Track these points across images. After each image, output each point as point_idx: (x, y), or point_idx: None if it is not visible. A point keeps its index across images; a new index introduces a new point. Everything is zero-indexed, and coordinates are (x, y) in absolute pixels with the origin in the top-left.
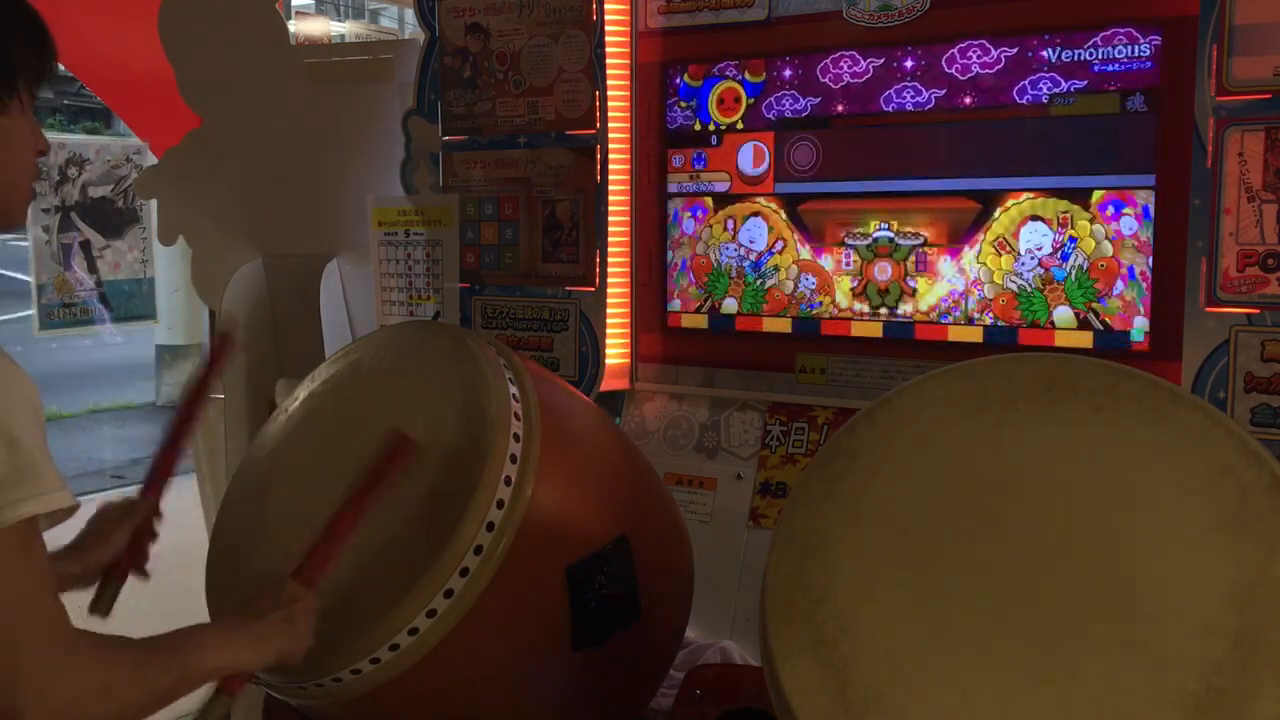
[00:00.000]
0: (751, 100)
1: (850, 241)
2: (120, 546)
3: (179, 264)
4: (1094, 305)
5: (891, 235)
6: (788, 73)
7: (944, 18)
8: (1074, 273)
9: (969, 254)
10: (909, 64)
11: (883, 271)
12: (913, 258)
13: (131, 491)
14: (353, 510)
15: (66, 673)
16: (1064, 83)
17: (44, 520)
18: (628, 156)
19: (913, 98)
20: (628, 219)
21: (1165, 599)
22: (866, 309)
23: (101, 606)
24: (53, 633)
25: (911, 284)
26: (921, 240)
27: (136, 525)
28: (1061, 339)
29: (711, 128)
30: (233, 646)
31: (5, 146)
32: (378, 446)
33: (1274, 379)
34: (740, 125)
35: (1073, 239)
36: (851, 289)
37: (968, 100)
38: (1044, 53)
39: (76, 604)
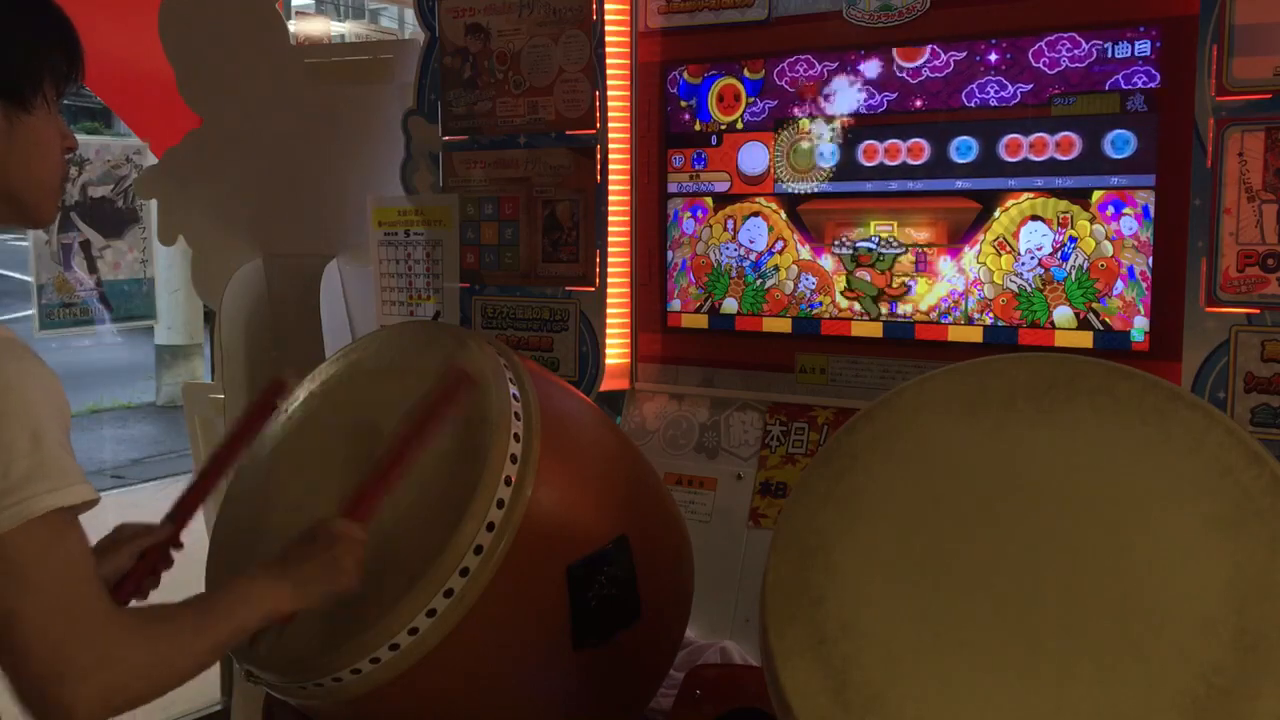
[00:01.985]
0: (751, 99)
1: (838, 250)
2: (123, 566)
3: (179, 264)
4: (1094, 305)
5: (877, 243)
6: (787, 73)
7: (944, 17)
8: (1074, 273)
9: (969, 254)
10: (909, 64)
11: (879, 279)
12: (908, 262)
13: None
14: (405, 446)
15: (110, 655)
16: (1064, 83)
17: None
18: (628, 156)
19: (913, 98)
20: (628, 219)
21: (1165, 599)
22: (863, 309)
23: None
24: (92, 617)
25: (911, 287)
26: (904, 249)
27: (149, 548)
28: (1061, 339)
29: (711, 127)
30: (275, 596)
31: (34, 145)
32: (434, 384)
33: (1274, 379)
34: (740, 125)
35: (1073, 239)
36: (844, 292)
37: (967, 100)
38: (1044, 53)
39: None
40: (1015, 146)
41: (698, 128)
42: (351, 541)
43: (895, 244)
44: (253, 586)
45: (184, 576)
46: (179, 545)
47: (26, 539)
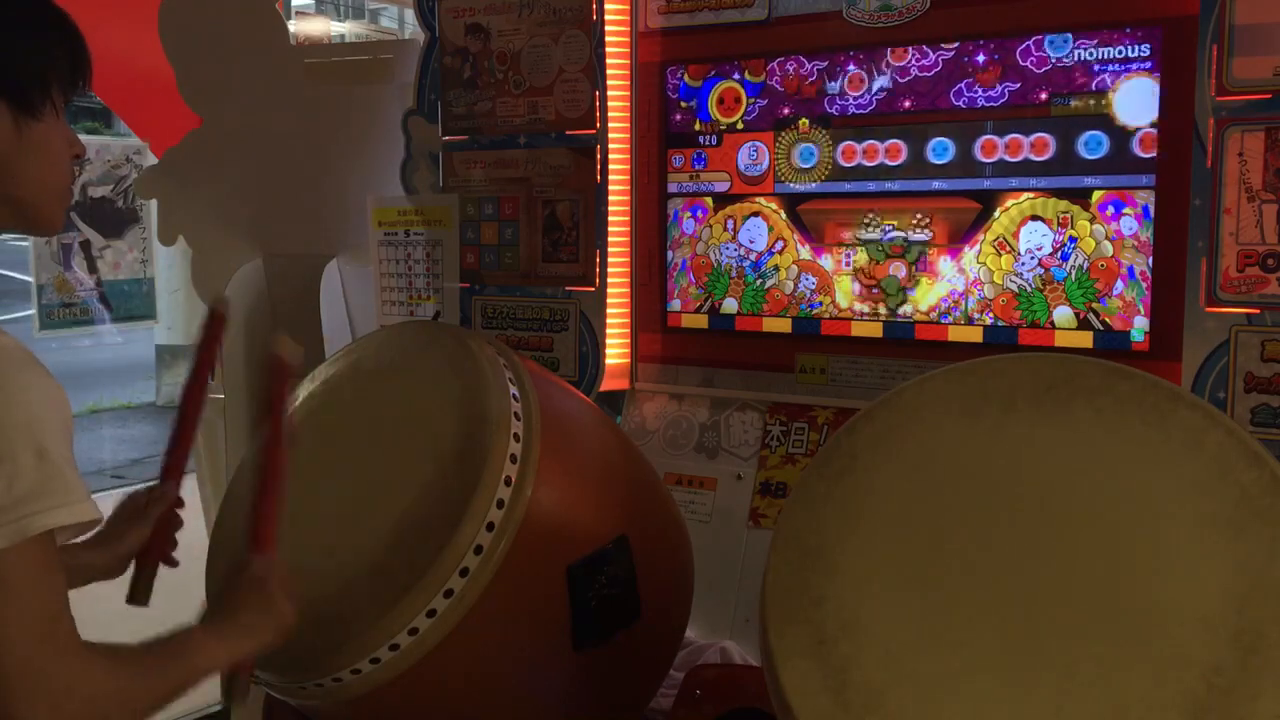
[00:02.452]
0: (751, 100)
1: (864, 235)
2: (145, 536)
3: (179, 264)
4: (1094, 305)
5: (905, 235)
6: (787, 73)
7: (944, 17)
8: (1074, 273)
9: (969, 254)
10: (909, 64)
11: (897, 270)
12: (919, 257)
13: (145, 484)
14: (269, 461)
15: (81, 685)
16: (1064, 83)
17: (67, 531)
18: (628, 156)
19: (913, 98)
20: (628, 219)
21: (1165, 599)
22: (866, 309)
23: (139, 596)
24: (69, 645)
25: (911, 291)
26: (907, 246)
27: (160, 514)
28: (1061, 339)
29: (711, 127)
30: (225, 643)
31: (41, 152)
32: (266, 382)
33: (1274, 379)
34: (740, 126)
35: (1073, 239)
36: (854, 292)
37: (968, 100)
38: (1044, 53)
39: (102, 594)
40: (1016, 146)
41: (697, 128)
42: (276, 576)
43: (904, 239)
44: (204, 639)
45: (185, 577)
46: (182, 503)
47: (23, 556)
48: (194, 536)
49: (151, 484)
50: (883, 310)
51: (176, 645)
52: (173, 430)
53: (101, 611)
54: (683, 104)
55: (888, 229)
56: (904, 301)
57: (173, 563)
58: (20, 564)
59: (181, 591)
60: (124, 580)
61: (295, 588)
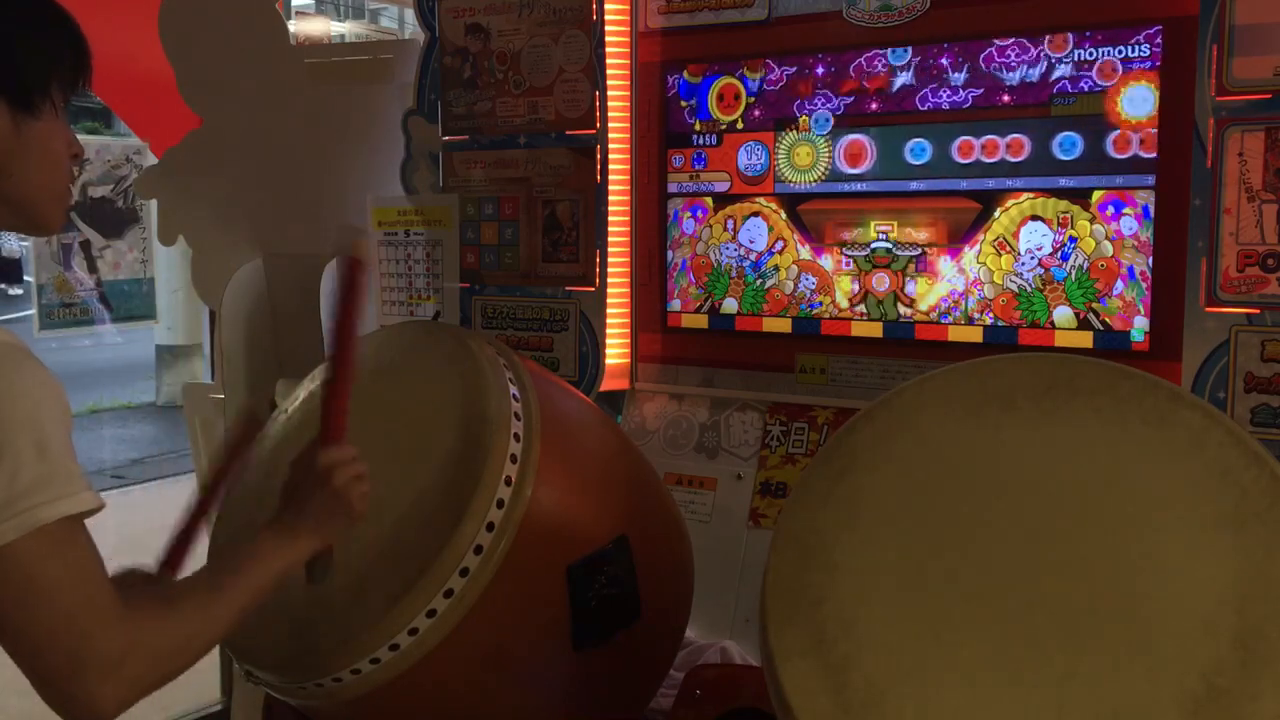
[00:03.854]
0: (751, 98)
1: (849, 252)
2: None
3: (179, 264)
4: (1094, 305)
5: (889, 246)
6: (787, 73)
7: (944, 18)
8: (1074, 273)
9: (969, 254)
10: (908, 64)
11: (880, 282)
12: (911, 265)
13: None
14: (343, 349)
15: (132, 650)
16: (1064, 83)
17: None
18: (628, 156)
19: (912, 98)
20: (628, 219)
21: (1165, 599)
22: (867, 310)
23: None
24: (107, 614)
25: (910, 292)
26: (919, 251)
27: None
28: (1061, 339)
29: (711, 126)
30: (291, 545)
31: (40, 152)
32: (343, 281)
33: (1274, 379)
34: (740, 125)
35: (1073, 239)
36: (851, 296)
37: (967, 100)
38: (1044, 53)
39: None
40: (1016, 146)
41: (698, 127)
42: (344, 465)
43: (911, 245)
44: (264, 545)
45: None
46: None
47: (34, 547)
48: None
49: (149, 573)
50: (882, 311)
51: (238, 564)
52: (183, 521)
53: None
54: (683, 102)
55: (882, 236)
56: (888, 312)
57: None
58: (35, 553)
59: None
60: None
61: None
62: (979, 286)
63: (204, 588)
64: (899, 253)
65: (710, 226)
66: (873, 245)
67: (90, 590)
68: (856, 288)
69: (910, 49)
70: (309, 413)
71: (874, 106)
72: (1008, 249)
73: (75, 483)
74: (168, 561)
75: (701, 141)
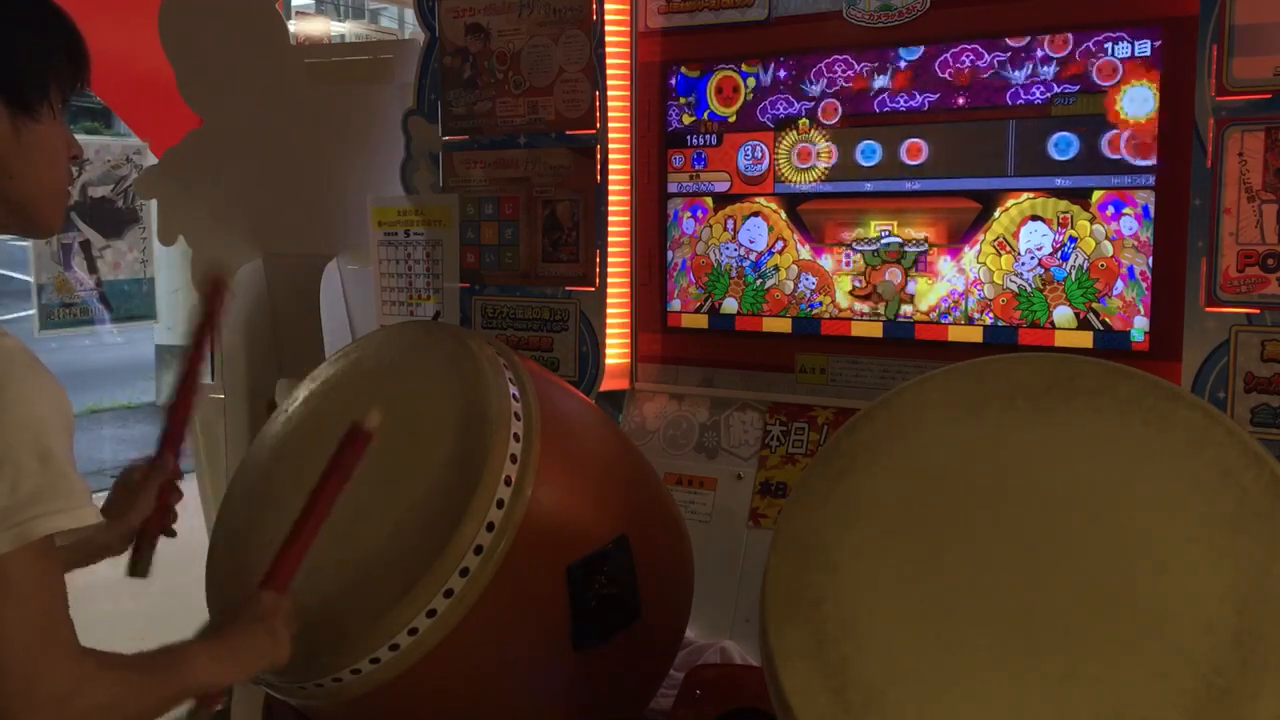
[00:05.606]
0: (751, 97)
1: (859, 248)
2: (149, 508)
3: (179, 264)
4: (1094, 305)
5: (899, 241)
6: (787, 73)
7: (944, 18)
8: (1074, 273)
9: (969, 254)
10: (908, 64)
11: (893, 276)
12: (915, 264)
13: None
14: (314, 511)
15: (80, 688)
16: (1064, 83)
17: (68, 534)
18: (628, 156)
19: (913, 97)
20: (628, 219)
21: (1165, 599)
22: (867, 310)
23: (140, 568)
24: (68, 648)
25: (910, 291)
26: (924, 248)
27: (160, 485)
28: (1061, 339)
29: (707, 118)
30: (219, 663)
31: (41, 153)
32: (337, 442)
33: (1274, 379)
34: (734, 119)
35: (1073, 239)
36: (852, 291)
37: (968, 100)
38: (1044, 53)
39: (113, 570)
40: (1016, 146)
41: (696, 122)
42: (281, 614)
43: (914, 242)
44: (199, 657)
45: (185, 577)
46: (180, 474)
47: (26, 559)
48: (194, 537)
49: (149, 456)
50: (882, 311)
51: (171, 659)
52: (170, 402)
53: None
54: (681, 98)
55: (884, 232)
56: (901, 306)
57: (172, 533)
58: (22, 567)
59: (181, 590)
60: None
61: (295, 589)
62: (979, 286)
63: (144, 667)
64: (908, 249)
65: (710, 226)
66: (883, 241)
67: (62, 616)
68: (862, 283)
69: (910, 49)
70: (309, 414)
71: (874, 106)
72: (1008, 249)
73: (76, 496)
74: (165, 445)
75: (701, 141)
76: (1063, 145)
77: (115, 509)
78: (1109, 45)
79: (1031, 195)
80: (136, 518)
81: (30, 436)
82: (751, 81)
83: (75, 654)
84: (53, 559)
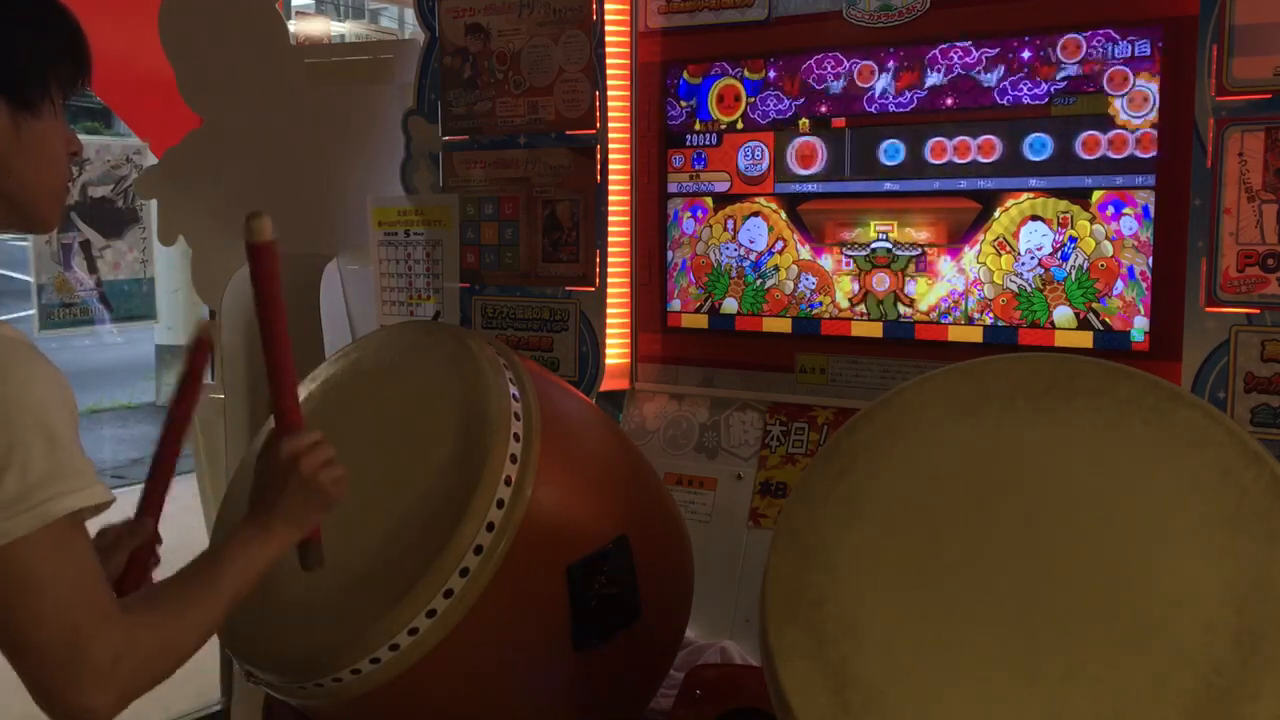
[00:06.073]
0: (752, 99)
1: (850, 252)
2: (117, 571)
3: (179, 264)
4: (1094, 305)
5: (889, 246)
6: (787, 73)
7: (944, 18)
8: (1074, 273)
9: (969, 254)
10: (909, 64)
11: (880, 282)
12: (911, 265)
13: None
14: (272, 338)
15: (127, 648)
16: (1064, 83)
17: (83, 514)
18: (628, 156)
19: (913, 98)
20: (628, 219)
21: (1165, 599)
22: (866, 310)
23: None
24: (104, 614)
25: (910, 293)
26: (919, 251)
27: (135, 549)
28: (1061, 339)
29: (711, 126)
30: (270, 538)
31: (39, 150)
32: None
33: (1274, 379)
34: (740, 125)
35: (1073, 239)
36: (851, 296)
37: (968, 100)
38: (1044, 53)
39: None
40: (1016, 146)
41: (698, 127)
42: (309, 451)
43: (910, 245)
44: (239, 544)
45: None
46: (159, 539)
47: (46, 541)
48: (194, 537)
49: (128, 520)
50: (882, 311)
51: (216, 561)
52: (152, 464)
53: None
54: (682, 103)
55: (881, 235)
56: (888, 313)
57: None
58: (46, 548)
59: None
60: None
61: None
62: (979, 286)
63: (188, 589)
64: (899, 253)
65: (710, 226)
66: (873, 245)
67: (93, 588)
68: (857, 288)
69: (910, 49)
70: (308, 414)
71: (874, 106)
72: (1008, 249)
73: (86, 476)
74: (145, 507)
75: (701, 141)
76: (1062, 145)
77: None
78: (1109, 45)
79: (1031, 195)
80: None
81: (36, 422)
82: (753, 86)
83: (113, 617)
84: (75, 536)
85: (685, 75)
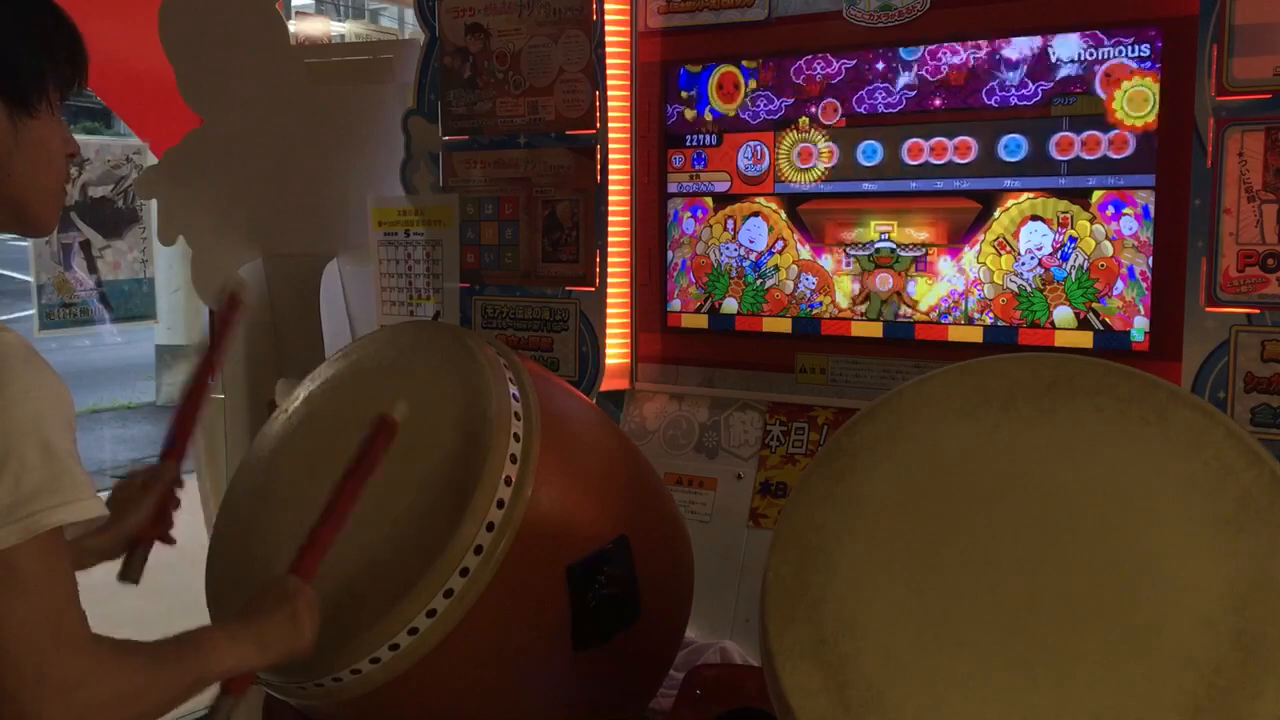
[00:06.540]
0: (751, 96)
1: (852, 252)
2: (146, 515)
3: (179, 264)
4: (1094, 305)
5: (892, 246)
6: (787, 72)
7: (944, 18)
8: (1074, 273)
9: (969, 254)
10: (908, 64)
11: (884, 282)
12: (913, 265)
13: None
14: (343, 498)
15: (91, 679)
16: (1064, 83)
17: (74, 527)
18: (628, 156)
19: (913, 98)
20: (628, 219)
21: (1165, 599)
22: (866, 310)
23: (131, 573)
24: (77, 640)
25: (910, 293)
26: (922, 251)
27: (160, 493)
28: (1061, 339)
29: (709, 117)
30: (239, 648)
31: (36, 152)
32: (363, 432)
33: (1274, 379)
34: (739, 115)
35: (1073, 239)
36: (853, 295)
37: (968, 100)
38: (1044, 52)
39: (105, 575)
40: (1015, 146)
41: (696, 118)
42: (305, 599)
43: (913, 246)
44: (219, 641)
45: (184, 577)
46: (181, 483)
47: (33, 552)
48: (193, 536)
49: (151, 463)
50: (884, 311)
51: (189, 644)
52: (177, 410)
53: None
54: (683, 94)
55: (883, 235)
56: (889, 314)
57: (170, 540)
58: (30, 560)
59: (181, 590)
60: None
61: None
62: (979, 286)
63: (159, 654)
64: (902, 253)
65: (710, 226)
66: (876, 245)
67: (71, 607)
68: (858, 288)
69: (910, 49)
70: (309, 414)
71: (874, 106)
72: (1008, 249)
73: (81, 489)
74: (168, 452)
75: (701, 141)
76: (1063, 145)
77: (113, 514)
78: (1109, 45)
79: (1031, 195)
80: (133, 523)
81: (33, 431)
82: (753, 83)
83: (85, 646)
84: (60, 552)
85: (685, 65)
